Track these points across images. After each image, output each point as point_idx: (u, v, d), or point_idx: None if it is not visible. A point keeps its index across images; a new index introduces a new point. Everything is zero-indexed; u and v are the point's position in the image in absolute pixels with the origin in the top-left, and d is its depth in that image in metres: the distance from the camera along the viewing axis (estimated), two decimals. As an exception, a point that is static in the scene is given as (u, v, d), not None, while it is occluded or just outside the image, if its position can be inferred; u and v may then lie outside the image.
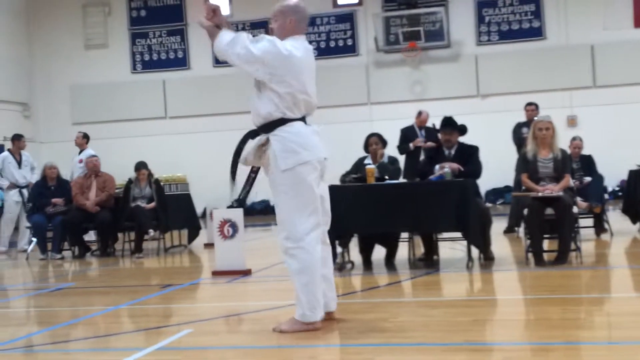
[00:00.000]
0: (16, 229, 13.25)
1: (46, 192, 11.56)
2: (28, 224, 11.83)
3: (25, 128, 19.76)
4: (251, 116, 5.13)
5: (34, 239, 11.64)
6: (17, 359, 4.88)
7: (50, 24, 22.09)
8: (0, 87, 20.63)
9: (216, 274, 8.16)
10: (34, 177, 12.98)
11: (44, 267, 10.51)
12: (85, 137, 13.66)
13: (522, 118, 11.83)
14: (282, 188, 4.97)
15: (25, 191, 12.86)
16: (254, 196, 19.84)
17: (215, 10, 5.01)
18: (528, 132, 8.62)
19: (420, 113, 12.39)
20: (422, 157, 11.30)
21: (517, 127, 11.74)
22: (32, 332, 5.80)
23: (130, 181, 11.44)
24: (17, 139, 13.40)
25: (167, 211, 11.36)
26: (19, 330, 5.86)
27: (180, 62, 21.70)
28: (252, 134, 5.14)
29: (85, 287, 8.29)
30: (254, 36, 5.01)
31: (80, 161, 13.28)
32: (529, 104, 11.90)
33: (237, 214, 8.29)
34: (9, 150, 13.45)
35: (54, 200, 11.41)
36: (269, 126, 5.01)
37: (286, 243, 4.98)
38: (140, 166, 11.43)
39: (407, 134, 12.19)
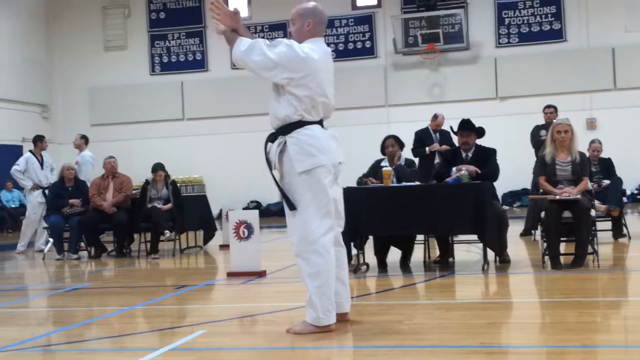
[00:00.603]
0: (34, 229, 13.32)
1: (64, 193, 11.63)
2: (45, 225, 11.89)
3: (44, 129, 19.89)
4: (269, 118, 5.12)
5: (51, 239, 11.69)
6: (35, 358, 4.90)
7: (70, 26, 22.25)
8: (20, 88, 20.81)
9: (231, 275, 8.16)
10: (53, 178, 13.04)
11: (61, 267, 10.56)
12: (84, 138, 13.71)
13: (541, 120, 11.76)
14: (298, 190, 4.95)
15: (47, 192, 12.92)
16: (270, 197, 19.86)
17: (232, 15, 4.99)
18: (546, 134, 8.56)
19: (436, 116, 12.32)
20: (437, 160, 11.27)
21: (535, 129, 11.66)
22: (48, 331, 5.82)
23: (147, 182, 11.48)
24: (39, 140, 13.46)
25: (183, 212, 11.39)
26: (37, 329, 5.88)
27: (199, 64, 21.79)
28: (271, 137, 5.14)
29: (101, 287, 8.32)
30: (271, 40, 5.00)
31: (77, 163, 13.31)
32: (548, 106, 11.81)
33: (253, 216, 8.30)
34: (30, 151, 13.52)
35: (71, 201, 11.47)
36: (287, 128, 5.00)
37: (299, 246, 4.96)
38: (158, 168, 11.46)
39: (422, 137, 12.14)
